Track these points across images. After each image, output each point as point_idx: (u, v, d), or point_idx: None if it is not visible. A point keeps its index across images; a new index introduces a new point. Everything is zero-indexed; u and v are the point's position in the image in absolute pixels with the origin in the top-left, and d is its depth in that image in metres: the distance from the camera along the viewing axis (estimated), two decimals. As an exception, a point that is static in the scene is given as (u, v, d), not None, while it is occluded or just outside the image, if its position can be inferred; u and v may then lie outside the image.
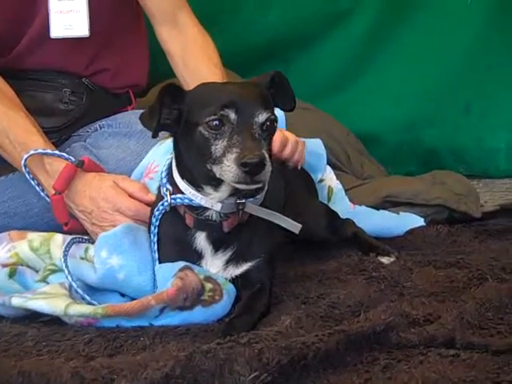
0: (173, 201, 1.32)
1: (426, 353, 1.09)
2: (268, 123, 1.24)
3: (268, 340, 1.05)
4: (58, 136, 1.86)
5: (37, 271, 1.45)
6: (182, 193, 1.31)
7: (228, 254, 1.34)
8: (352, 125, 2.54)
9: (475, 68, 2.50)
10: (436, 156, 2.61)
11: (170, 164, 1.36)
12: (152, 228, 1.36)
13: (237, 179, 1.18)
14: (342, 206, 1.80)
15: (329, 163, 1.89)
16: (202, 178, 1.28)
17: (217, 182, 1.26)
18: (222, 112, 1.21)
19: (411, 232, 1.76)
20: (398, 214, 1.85)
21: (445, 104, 2.57)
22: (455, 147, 2.59)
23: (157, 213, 1.35)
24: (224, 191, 1.28)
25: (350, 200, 1.85)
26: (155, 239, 1.36)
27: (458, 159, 2.60)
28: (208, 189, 1.28)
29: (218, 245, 1.34)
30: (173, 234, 1.36)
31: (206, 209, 1.30)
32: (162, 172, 1.37)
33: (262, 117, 1.23)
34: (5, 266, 1.45)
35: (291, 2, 2.64)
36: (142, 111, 1.82)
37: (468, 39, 2.50)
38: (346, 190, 1.87)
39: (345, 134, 2.36)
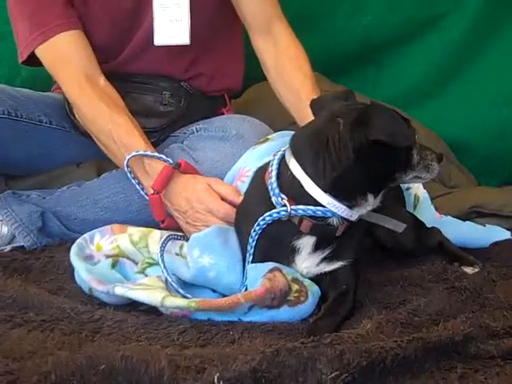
0: (293, 211, 1.36)
1: (503, 365, 1.12)
2: None
3: (349, 342, 1.11)
4: (157, 136, 1.98)
5: (136, 263, 1.56)
6: (306, 204, 1.35)
7: (326, 252, 1.41)
8: (443, 132, 2.52)
9: None
10: (530, 166, 2.56)
11: (278, 174, 1.40)
12: (253, 234, 1.40)
13: (438, 172, 1.43)
14: (428, 215, 1.81)
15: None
16: (371, 189, 1.36)
17: (378, 192, 1.38)
18: None
19: (498, 244, 1.75)
20: (484, 225, 1.85)
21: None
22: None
23: (267, 218, 1.37)
24: (379, 198, 1.39)
25: (436, 209, 1.87)
26: (253, 243, 1.40)
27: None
28: (370, 198, 1.37)
29: (319, 245, 1.41)
30: (272, 236, 1.40)
31: (329, 217, 1.37)
32: (271, 183, 1.39)
33: None
34: (108, 256, 1.57)
35: (385, 7, 2.63)
36: (240, 116, 1.94)
37: None
38: (432, 199, 1.89)
39: (434, 142, 2.35)
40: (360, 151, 1.32)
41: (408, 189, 1.88)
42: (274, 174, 1.40)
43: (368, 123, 1.31)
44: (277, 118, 2.07)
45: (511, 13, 2.53)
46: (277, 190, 1.38)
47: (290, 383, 1.03)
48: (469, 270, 1.60)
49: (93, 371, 1.03)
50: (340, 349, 1.06)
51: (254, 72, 2.11)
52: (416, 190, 1.88)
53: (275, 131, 1.83)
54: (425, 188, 1.89)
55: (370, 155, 1.32)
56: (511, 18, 2.53)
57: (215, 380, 1.02)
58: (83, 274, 1.44)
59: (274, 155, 1.45)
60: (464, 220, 1.88)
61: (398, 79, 2.70)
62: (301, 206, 1.36)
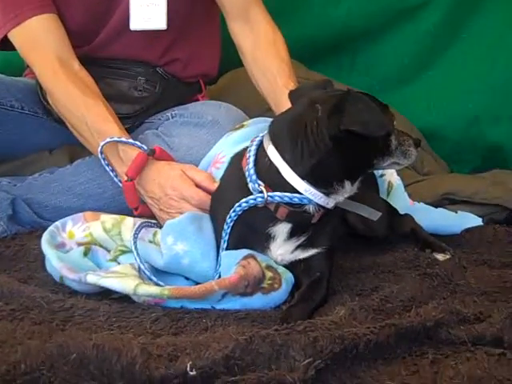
0: (270, 198, 1.36)
1: (473, 350, 1.13)
2: None
3: (322, 329, 1.11)
4: (132, 122, 1.96)
5: (108, 251, 1.55)
6: (283, 191, 1.35)
7: (301, 239, 1.41)
8: (415, 119, 2.54)
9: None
10: (501, 154, 2.56)
11: (256, 160, 1.39)
12: (228, 220, 1.39)
13: (415, 158, 1.44)
14: (401, 202, 1.82)
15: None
16: (349, 176, 1.36)
17: (355, 178, 1.38)
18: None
19: (468, 231, 1.77)
20: (456, 212, 1.87)
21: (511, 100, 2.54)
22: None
23: (244, 204, 1.37)
24: (356, 185, 1.39)
25: (409, 196, 1.88)
26: (228, 230, 1.40)
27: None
28: (347, 185, 1.37)
29: (294, 233, 1.41)
30: (248, 222, 1.40)
31: (305, 204, 1.37)
32: (249, 169, 1.39)
33: None
34: (80, 244, 1.56)
35: (362, -4, 2.67)
36: (215, 102, 1.93)
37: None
38: (405, 186, 1.90)
39: (407, 129, 2.35)
40: (336, 139, 1.32)
41: (382, 175, 1.89)
42: (251, 160, 1.39)
43: (342, 112, 1.31)
44: (252, 104, 2.06)
45: (483, 5, 2.55)
46: (254, 177, 1.38)
47: (263, 370, 1.03)
48: (440, 256, 1.62)
49: (63, 360, 1.02)
50: (313, 336, 1.07)
51: (230, 58, 2.10)
52: (389, 176, 1.89)
53: (250, 118, 1.82)
54: (398, 175, 1.90)
55: (346, 142, 1.32)
56: (483, 10, 2.55)
57: (188, 368, 1.02)
58: (54, 262, 1.42)
59: (252, 141, 1.44)
60: (436, 207, 1.90)
61: (373, 67, 2.72)
62: (277, 193, 1.36)
